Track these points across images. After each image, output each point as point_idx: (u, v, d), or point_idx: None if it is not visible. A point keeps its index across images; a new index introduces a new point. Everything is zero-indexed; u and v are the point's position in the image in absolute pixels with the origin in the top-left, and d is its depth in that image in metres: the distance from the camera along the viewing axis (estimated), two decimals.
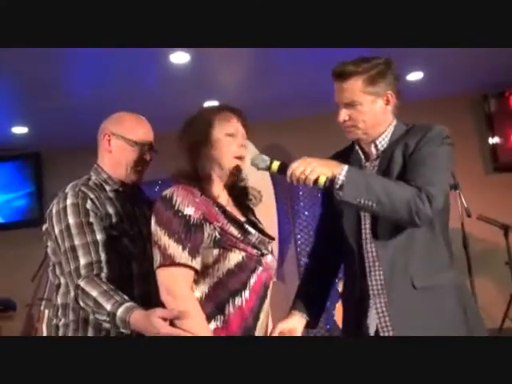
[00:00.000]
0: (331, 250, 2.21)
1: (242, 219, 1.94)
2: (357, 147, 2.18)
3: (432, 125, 2.04)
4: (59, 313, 2.08)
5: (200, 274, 1.79)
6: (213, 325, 1.78)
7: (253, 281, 1.83)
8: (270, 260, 1.92)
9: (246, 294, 1.81)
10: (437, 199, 1.88)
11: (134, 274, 2.08)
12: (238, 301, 1.80)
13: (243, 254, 1.82)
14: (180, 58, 4.14)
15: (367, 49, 2.15)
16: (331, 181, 1.87)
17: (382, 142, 2.09)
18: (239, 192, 2.04)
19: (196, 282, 1.79)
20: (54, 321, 2.10)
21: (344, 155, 2.21)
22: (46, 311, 4.29)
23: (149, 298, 2.02)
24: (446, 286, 1.99)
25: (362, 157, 2.15)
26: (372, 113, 2.06)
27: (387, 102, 2.07)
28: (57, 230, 2.07)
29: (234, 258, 1.80)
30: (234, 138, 1.95)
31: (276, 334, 2.00)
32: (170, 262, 1.74)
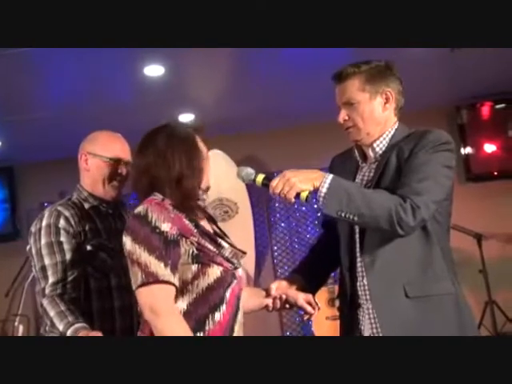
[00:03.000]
0: (331, 247, 2.19)
1: (212, 232, 1.94)
2: (354, 149, 2.17)
3: (430, 131, 2.01)
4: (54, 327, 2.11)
5: (178, 291, 1.77)
6: (206, 329, 1.77)
7: (228, 295, 1.83)
8: (241, 273, 1.92)
9: (224, 308, 1.81)
10: (422, 209, 1.85)
11: (112, 287, 2.17)
12: (217, 316, 1.79)
13: (221, 268, 1.82)
14: (154, 70, 4.13)
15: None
16: (315, 193, 1.87)
17: (380, 144, 2.07)
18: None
19: (175, 299, 1.77)
20: (51, 335, 2.14)
21: (344, 158, 2.23)
22: (21, 327, 4.23)
23: (130, 308, 2.09)
24: (441, 296, 1.96)
25: (359, 158, 2.14)
26: (371, 110, 2.05)
27: (387, 100, 2.07)
28: (34, 251, 2.18)
29: (213, 273, 1.80)
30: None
31: (273, 288, 2.06)
32: (153, 279, 1.71)
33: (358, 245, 2.04)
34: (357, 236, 2.05)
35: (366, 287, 2.00)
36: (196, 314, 1.77)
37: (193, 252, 1.78)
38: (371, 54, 2.15)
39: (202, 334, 1.77)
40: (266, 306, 2.10)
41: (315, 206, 5.59)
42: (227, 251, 1.86)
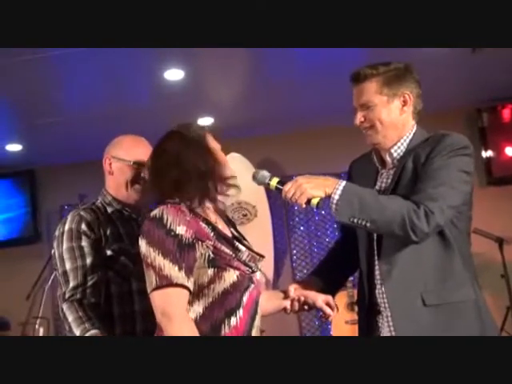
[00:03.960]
0: (349, 251, 2.19)
1: (230, 235, 1.92)
2: (373, 154, 2.15)
3: (447, 135, 1.98)
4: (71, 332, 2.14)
5: (194, 295, 1.77)
6: (221, 333, 1.76)
7: (246, 299, 1.82)
8: (259, 277, 1.91)
9: (241, 312, 1.80)
10: (436, 215, 1.83)
11: (133, 291, 2.17)
12: (233, 320, 1.78)
13: (237, 272, 1.80)
14: (174, 74, 4.15)
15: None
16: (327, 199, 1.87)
17: (398, 150, 2.05)
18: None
19: (190, 302, 1.76)
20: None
21: (363, 162, 2.21)
22: (41, 329, 4.27)
23: (151, 312, 2.11)
24: (461, 303, 1.93)
25: (378, 164, 2.12)
26: (388, 112, 2.02)
27: (404, 103, 2.04)
28: (57, 255, 2.19)
29: (230, 277, 1.79)
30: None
31: (292, 290, 2.07)
32: (166, 282, 1.71)
33: (375, 252, 2.03)
34: (375, 243, 2.04)
35: (385, 295, 1.99)
36: (212, 319, 1.77)
37: (209, 256, 1.77)
38: (388, 54, 2.14)
39: (225, 329, 1.76)
40: (284, 309, 2.10)
41: None
42: (244, 255, 1.85)
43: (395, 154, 2.06)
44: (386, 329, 1.99)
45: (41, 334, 4.26)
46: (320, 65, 4.11)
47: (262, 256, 1.93)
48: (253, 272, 1.87)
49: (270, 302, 2.07)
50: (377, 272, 2.02)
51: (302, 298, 2.07)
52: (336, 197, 1.85)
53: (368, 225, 1.84)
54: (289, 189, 1.90)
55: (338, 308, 2.10)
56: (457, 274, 1.95)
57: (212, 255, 1.78)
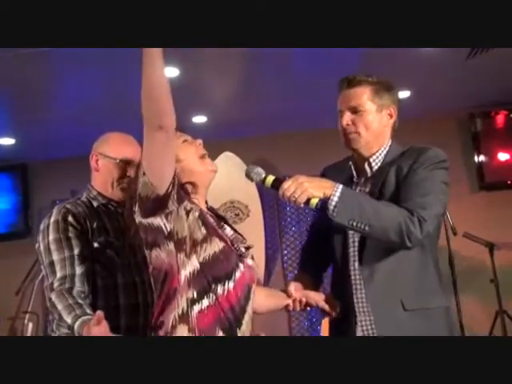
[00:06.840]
0: (322, 251, 2.22)
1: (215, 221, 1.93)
2: (350, 163, 2.18)
3: (426, 148, 2.05)
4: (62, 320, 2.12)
5: (191, 248, 1.76)
6: (205, 302, 1.76)
7: (238, 275, 1.81)
8: (251, 263, 1.90)
9: (231, 284, 1.79)
10: (428, 223, 1.90)
11: (118, 284, 2.18)
12: (226, 285, 1.78)
13: (223, 243, 1.81)
14: (169, 72, 4.15)
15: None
16: (324, 201, 1.88)
17: (376, 160, 2.10)
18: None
19: (188, 255, 1.76)
20: (57, 333, 2.17)
21: (337, 169, 2.24)
22: (30, 325, 4.25)
23: (136, 306, 2.10)
24: (435, 308, 2.00)
25: (354, 173, 2.16)
26: (375, 121, 2.08)
27: (390, 117, 2.11)
28: (42, 247, 2.18)
29: (216, 244, 1.79)
30: (191, 142, 1.97)
31: (292, 290, 2.08)
32: None
33: (354, 258, 2.06)
34: (351, 250, 2.06)
35: (364, 300, 2.01)
36: (207, 275, 1.76)
37: (199, 216, 1.79)
38: (384, 63, 2.14)
39: (212, 296, 1.76)
40: (287, 306, 2.11)
41: None
42: (229, 233, 1.88)
43: (373, 164, 2.11)
44: (359, 333, 2.02)
45: (30, 328, 4.24)
46: (316, 65, 4.12)
47: (244, 238, 1.94)
48: (240, 255, 1.86)
49: (271, 298, 2.10)
50: (357, 277, 2.04)
51: (304, 300, 2.09)
52: (335, 199, 1.87)
53: (366, 228, 1.87)
54: (289, 186, 1.88)
55: (339, 306, 2.11)
56: (432, 280, 2.02)
57: (198, 214, 1.80)
